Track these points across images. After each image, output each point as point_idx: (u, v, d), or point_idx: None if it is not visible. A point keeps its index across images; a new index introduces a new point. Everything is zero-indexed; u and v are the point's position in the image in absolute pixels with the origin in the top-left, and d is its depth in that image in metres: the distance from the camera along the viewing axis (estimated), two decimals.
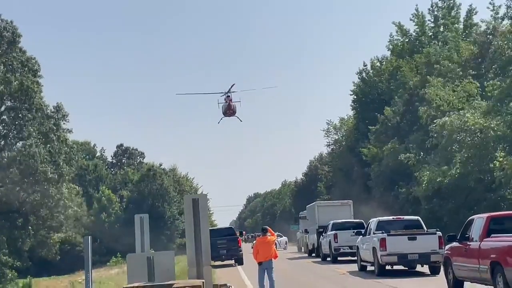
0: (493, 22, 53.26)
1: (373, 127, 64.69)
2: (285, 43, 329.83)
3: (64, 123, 60.76)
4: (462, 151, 42.88)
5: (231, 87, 61.82)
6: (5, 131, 58.85)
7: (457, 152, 43.48)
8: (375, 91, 74.18)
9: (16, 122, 58.01)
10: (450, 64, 54.23)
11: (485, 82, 44.44)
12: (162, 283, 10.47)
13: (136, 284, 10.52)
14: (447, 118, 44.34)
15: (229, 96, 62.13)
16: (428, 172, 45.01)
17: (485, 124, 41.29)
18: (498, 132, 40.39)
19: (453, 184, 44.19)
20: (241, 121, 63.23)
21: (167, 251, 13.64)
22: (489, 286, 16.70)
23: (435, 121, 46.17)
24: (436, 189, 45.55)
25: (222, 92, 62.20)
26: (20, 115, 57.29)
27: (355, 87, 78.11)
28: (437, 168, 44.41)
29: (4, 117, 58.65)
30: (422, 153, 50.04)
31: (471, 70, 53.45)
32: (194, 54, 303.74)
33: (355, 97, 78.13)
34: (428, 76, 53.94)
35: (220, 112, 62.45)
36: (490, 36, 50.72)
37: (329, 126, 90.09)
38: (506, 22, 52.75)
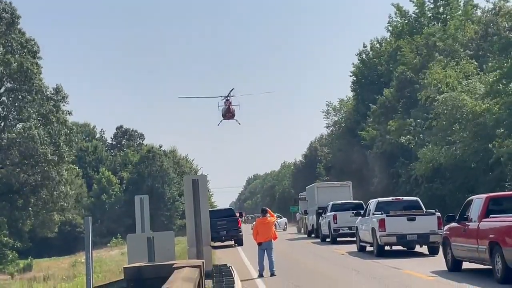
0: (498, 2, 52.94)
1: (374, 105, 64.54)
2: (284, 24, 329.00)
3: (63, 105, 60.76)
4: (461, 131, 42.96)
5: (230, 91, 64.92)
6: (4, 113, 58.85)
7: (456, 132, 43.54)
8: (375, 73, 74.13)
9: (16, 104, 57.98)
10: (453, 44, 54.15)
11: (488, 64, 44.33)
12: (162, 263, 10.51)
13: (136, 264, 10.56)
14: (447, 94, 44.41)
15: (228, 100, 65.15)
16: (427, 152, 45.07)
17: (484, 107, 41.34)
18: (497, 115, 40.40)
19: (453, 165, 44.28)
20: (239, 124, 66.17)
21: (167, 231, 13.70)
22: (488, 266, 16.79)
23: (436, 98, 46.20)
24: (436, 169, 45.65)
25: (222, 96, 65.36)
26: (19, 96, 57.26)
27: (355, 68, 78.04)
28: (437, 147, 44.44)
29: (4, 98, 58.62)
30: (421, 135, 50.05)
31: (468, 51, 53.40)
32: (194, 36, 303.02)
33: (354, 78, 78.08)
34: (429, 58, 53.90)
35: (220, 115, 65.86)
36: (495, 17, 50.53)
37: (328, 108, 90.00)
38: (510, 4, 52.43)
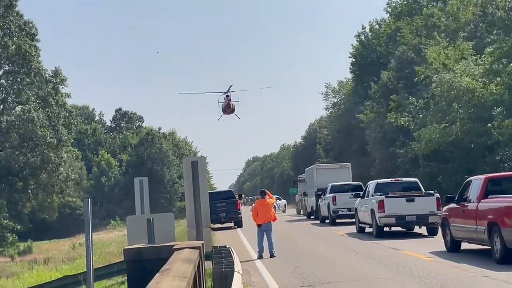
0: None
1: (374, 85, 64.42)
2: (283, 4, 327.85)
3: (62, 88, 60.63)
4: (458, 110, 42.97)
5: (229, 87, 68.54)
6: (3, 96, 58.78)
7: (454, 112, 43.54)
8: (374, 54, 73.95)
9: (15, 87, 57.89)
10: (451, 24, 54.00)
11: (488, 47, 44.25)
12: (162, 245, 10.54)
13: (136, 246, 10.59)
14: (443, 74, 44.38)
15: (228, 96, 68.31)
16: (426, 132, 45.09)
17: (482, 88, 41.32)
18: (496, 96, 40.37)
19: (452, 145, 44.31)
20: (239, 118, 70.11)
21: (166, 213, 13.72)
22: (486, 247, 16.84)
23: (434, 76, 46.16)
24: (435, 149, 45.68)
25: (221, 92, 68.76)
26: (18, 79, 57.16)
27: (354, 50, 77.79)
28: (437, 125, 44.45)
29: (2, 81, 58.52)
30: (420, 115, 50.03)
31: (462, 32, 53.27)
32: (193, 20, 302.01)
33: (353, 60, 77.87)
34: (428, 39, 53.74)
35: (220, 110, 69.31)
36: None
37: (327, 89, 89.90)
38: None
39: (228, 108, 69.21)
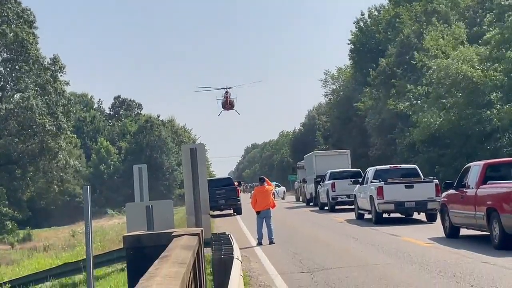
0: None
1: (372, 72, 64.33)
2: None
3: (61, 75, 60.59)
4: (455, 95, 43.00)
5: (227, 88, 73.13)
6: (2, 83, 58.71)
7: (453, 96, 43.56)
8: (373, 41, 73.77)
9: (13, 74, 57.83)
10: (450, 11, 53.95)
11: (487, 34, 44.19)
12: (161, 231, 10.54)
13: (135, 233, 10.60)
14: (439, 60, 44.39)
15: (227, 92, 72.49)
16: (425, 117, 45.12)
17: (481, 75, 41.29)
18: (496, 82, 40.35)
19: (451, 131, 44.34)
20: (239, 114, 76.13)
21: (165, 200, 13.72)
22: (485, 232, 16.88)
23: (433, 61, 46.15)
24: (433, 135, 45.72)
25: (225, 88, 73.37)
26: (16, 67, 57.09)
27: (353, 36, 77.60)
28: (436, 110, 44.47)
29: (1, 69, 58.44)
30: (419, 101, 50.02)
31: (460, 17, 53.23)
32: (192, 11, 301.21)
33: (352, 46, 77.70)
34: (427, 25, 53.69)
35: (220, 106, 73.74)
36: None
37: (326, 76, 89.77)
38: None
39: (227, 104, 72.66)
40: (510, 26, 40.14)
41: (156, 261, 6.47)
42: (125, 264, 13.18)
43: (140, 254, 9.70)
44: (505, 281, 11.52)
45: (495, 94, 39.90)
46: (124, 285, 16.75)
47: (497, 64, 40.81)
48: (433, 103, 45.39)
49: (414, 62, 50.85)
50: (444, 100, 44.14)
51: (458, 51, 44.89)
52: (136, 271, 9.42)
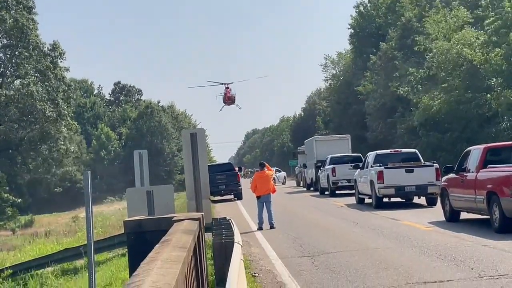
0: None
1: (373, 56, 64.19)
2: None
3: (61, 61, 60.49)
4: (455, 78, 42.98)
5: (228, 84, 75.93)
6: (1, 70, 58.63)
7: (455, 78, 43.54)
8: (373, 25, 73.58)
9: (13, 60, 57.75)
10: None
11: (487, 20, 44.07)
12: (162, 216, 10.56)
13: (136, 218, 10.62)
14: (440, 43, 44.33)
15: (227, 88, 75.17)
16: (426, 99, 45.14)
17: (482, 59, 41.25)
18: (496, 67, 40.32)
19: (451, 115, 44.34)
20: (240, 108, 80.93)
21: (166, 185, 13.74)
22: (485, 216, 16.91)
23: (434, 44, 46.10)
24: (434, 119, 45.73)
25: (224, 83, 75.68)
26: (16, 53, 56.99)
27: (353, 21, 77.39)
28: (436, 92, 44.46)
29: (0, 55, 58.36)
30: (420, 86, 49.98)
31: (457, 1, 53.17)
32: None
33: (352, 31, 77.50)
34: (428, 9, 53.57)
35: (221, 101, 77.09)
36: None
37: (326, 61, 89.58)
38: None
39: (227, 99, 75.52)
40: (510, 11, 40.07)
41: (157, 245, 6.49)
42: (126, 249, 13.22)
43: (140, 239, 9.73)
44: (505, 264, 11.55)
45: (495, 79, 39.86)
46: (125, 270, 16.81)
47: (497, 49, 40.74)
48: (434, 86, 45.41)
49: (417, 45, 50.75)
50: (444, 85, 44.09)
51: (459, 34, 44.81)
52: (137, 256, 9.44)
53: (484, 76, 41.41)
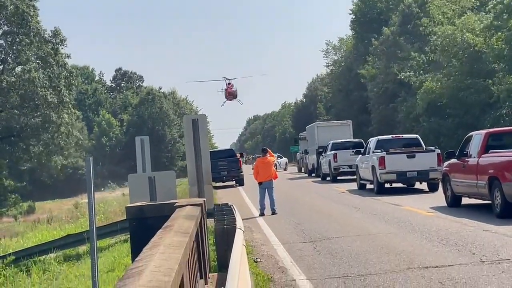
0: None
1: (375, 41, 64.02)
2: None
3: (62, 48, 60.41)
4: (458, 63, 42.91)
5: (230, 79, 77.47)
6: (3, 56, 58.58)
7: (455, 64, 43.47)
8: (374, 10, 73.35)
9: (14, 47, 57.68)
10: None
11: (489, 3, 43.96)
12: (164, 202, 10.58)
13: (138, 204, 10.63)
14: (444, 27, 44.24)
15: (230, 83, 76.82)
16: (428, 83, 45.10)
17: (483, 43, 41.14)
18: (497, 52, 40.23)
19: (452, 100, 44.29)
20: (241, 103, 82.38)
21: (168, 171, 13.75)
22: (487, 201, 16.92)
23: (438, 27, 46.02)
24: (436, 105, 45.68)
25: (225, 79, 77.10)
26: (17, 39, 56.89)
27: (354, 6, 77.15)
28: (439, 76, 44.41)
29: (2, 41, 58.28)
30: (422, 71, 49.93)
31: None
32: None
33: (353, 17, 77.26)
34: None
35: (223, 97, 78.59)
36: None
37: (328, 47, 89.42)
38: None
39: (229, 95, 77.10)
40: None
41: (159, 231, 6.51)
42: (128, 235, 13.25)
43: (143, 225, 9.74)
44: (506, 249, 11.58)
45: (497, 65, 39.78)
46: (127, 256, 16.87)
47: (500, 33, 40.64)
48: (436, 70, 45.37)
49: (422, 27, 50.65)
50: (444, 71, 44.03)
51: (462, 19, 44.73)
52: (139, 242, 9.47)
53: (485, 61, 41.32)
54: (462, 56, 43.13)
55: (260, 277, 10.73)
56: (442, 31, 44.65)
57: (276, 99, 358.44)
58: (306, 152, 50.96)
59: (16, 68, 58.78)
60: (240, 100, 79.17)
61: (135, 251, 9.00)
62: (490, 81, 39.80)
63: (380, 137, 29.47)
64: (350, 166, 35.13)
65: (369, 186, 28.19)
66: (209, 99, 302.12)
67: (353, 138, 43.33)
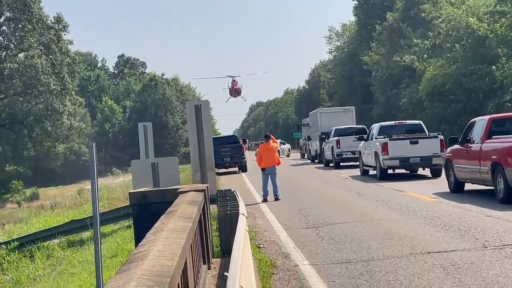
0: None
1: (378, 27, 63.86)
2: None
3: (64, 34, 60.36)
4: (462, 49, 42.79)
5: (234, 77, 79.64)
6: (5, 42, 58.53)
7: (459, 50, 43.36)
8: None
9: (17, 33, 57.64)
10: None
11: None
12: (167, 188, 10.61)
13: (142, 189, 10.66)
14: (455, 10, 44.11)
15: (234, 81, 79.06)
16: (431, 69, 45.00)
17: (487, 28, 41.00)
18: (501, 37, 40.11)
19: (455, 86, 44.20)
20: (245, 100, 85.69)
21: (171, 156, 13.76)
22: (490, 187, 16.93)
23: (442, 11, 45.89)
24: (439, 90, 45.61)
25: (230, 76, 79.10)
26: (20, 25, 56.82)
27: None
28: (442, 61, 44.31)
29: (4, 28, 58.21)
30: (426, 55, 49.83)
31: None
32: None
33: (356, 2, 77.02)
34: None
35: (228, 93, 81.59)
36: None
37: (331, 33, 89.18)
38: None
39: (234, 92, 79.66)
40: None
41: (163, 216, 6.53)
42: (132, 221, 13.28)
43: (146, 210, 9.77)
44: (509, 234, 11.59)
45: (500, 50, 39.66)
46: (130, 241, 16.92)
47: (503, 19, 40.49)
48: (439, 55, 45.26)
49: (423, 12, 50.49)
50: (448, 55, 43.93)
51: (466, 4, 44.60)
52: (142, 227, 9.50)
53: (489, 46, 41.21)
54: (466, 41, 43.01)
55: (263, 263, 10.77)
56: (447, 13, 44.48)
57: (279, 85, 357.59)
58: (309, 138, 50.93)
59: (19, 55, 58.73)
60: (243, 96, 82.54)
61: (139, 237, 9.02)
62: (494, 67, 39.67)
63: (383, 123, 29.42)
64: (353, 152, 35.10)
65: (372, 172, 28.21)
66: (211, 88, 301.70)
67: (356, 124, 43.28)
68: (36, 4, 56.78)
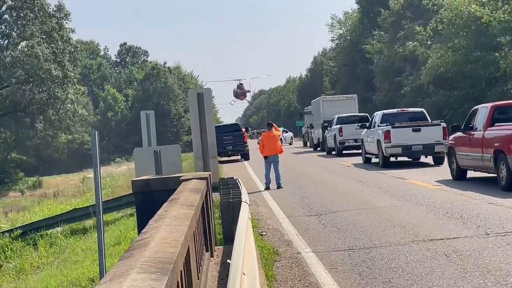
0: None
1: (384, 12, 63.70)
2: None
3: (66, 23, 60.25)
4: (465, 37, 42.69)
5: (240, 80, 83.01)
6: (7, 31, 58.46)
7: (461, 37, 43.27)
8: None
9: (19, 22, 57.55)
10: None
11: None
12: (169, 176, 10.62)
13: (144, 177, 10.67)
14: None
15: (242, 84, 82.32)
16: (434, 57, 44.93)
17: (489, 15, 40.87)
18: (504, 24, 39.98)
19: (458, 73, 44.11)
20: (250, 104, 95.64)
21: (173, 145, 13.78)
22: (492, 174, 16.93)
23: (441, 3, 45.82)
24: (441, 78, 45.53)
25: (236, 79, 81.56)
26: (22, 14, 56.73)
27: None
28: (443, 51, 44.24)
29: (6, 16, 58.13)
30: (428, 42, 49.73)
31: None
32: None
33: None
34: None
35: (233, 96, 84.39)
36: None
37: (333, 21, 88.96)
38: None
39: (241, 95, 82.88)
40: None
41: (165, 203, 6.54)
42: (134, 209, 13.30)
43: (148, 198, 9.78)
44: (511, 221, 11.60)
45: (503, 38, 39.55)
46: (133, 229, 16.96)
47: (506, 6, 40.37)
48: (442, 42, 45.16)
49: (424, 2, 50.41)
50: (450, 44, 43.83)
51: None
52: (145, 215, 9.52)
53: (492, 34, 41.09)
54: (469, 27, 42.88)
55: (266, 250, 10.79)
56: (449, 2, 44.35)
57: (281, 73, 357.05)
58: (311, 126, 50.91)
59: (21, 43, 58.68)
60: (248, 100, 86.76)
61: (141, 224, 9.04)
62: (497, 54, 39.56)
63: (386, 111, 29.40)
64: (356, 140, 35.09)
65: (374, 160, 28.21)
66: (213, 71, 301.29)
67: (359, 112, 43.25)
68: None
